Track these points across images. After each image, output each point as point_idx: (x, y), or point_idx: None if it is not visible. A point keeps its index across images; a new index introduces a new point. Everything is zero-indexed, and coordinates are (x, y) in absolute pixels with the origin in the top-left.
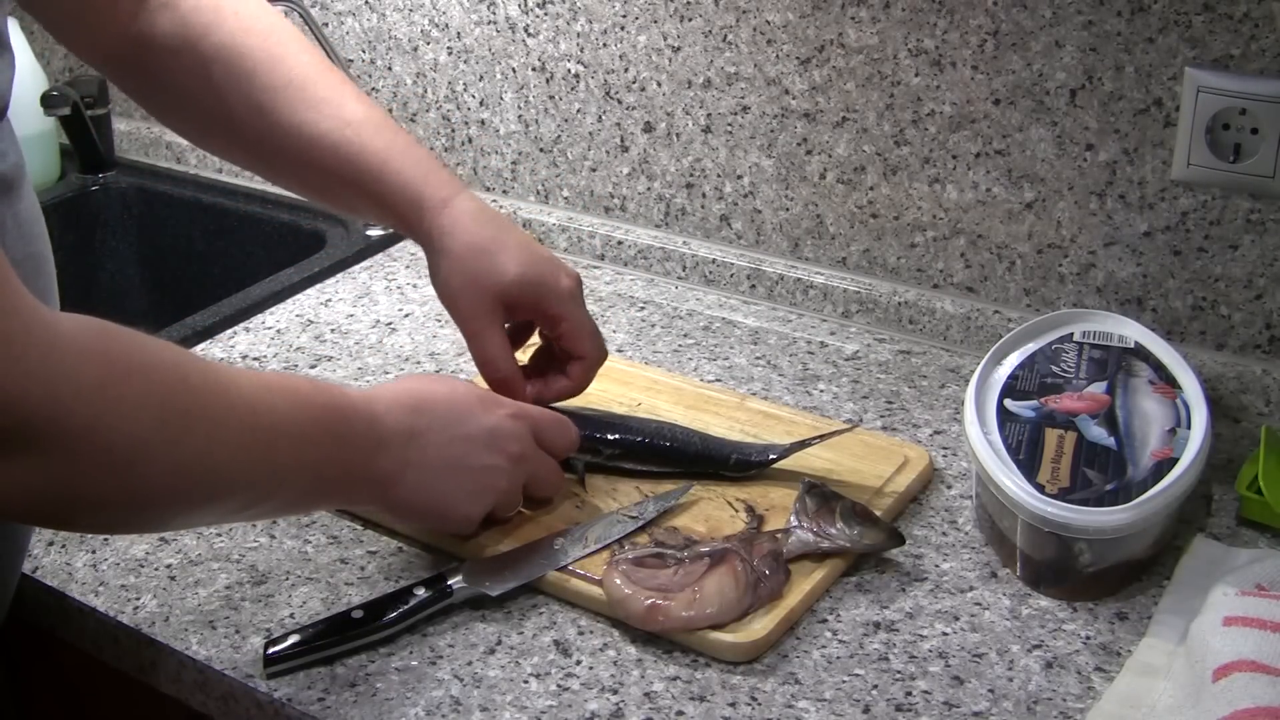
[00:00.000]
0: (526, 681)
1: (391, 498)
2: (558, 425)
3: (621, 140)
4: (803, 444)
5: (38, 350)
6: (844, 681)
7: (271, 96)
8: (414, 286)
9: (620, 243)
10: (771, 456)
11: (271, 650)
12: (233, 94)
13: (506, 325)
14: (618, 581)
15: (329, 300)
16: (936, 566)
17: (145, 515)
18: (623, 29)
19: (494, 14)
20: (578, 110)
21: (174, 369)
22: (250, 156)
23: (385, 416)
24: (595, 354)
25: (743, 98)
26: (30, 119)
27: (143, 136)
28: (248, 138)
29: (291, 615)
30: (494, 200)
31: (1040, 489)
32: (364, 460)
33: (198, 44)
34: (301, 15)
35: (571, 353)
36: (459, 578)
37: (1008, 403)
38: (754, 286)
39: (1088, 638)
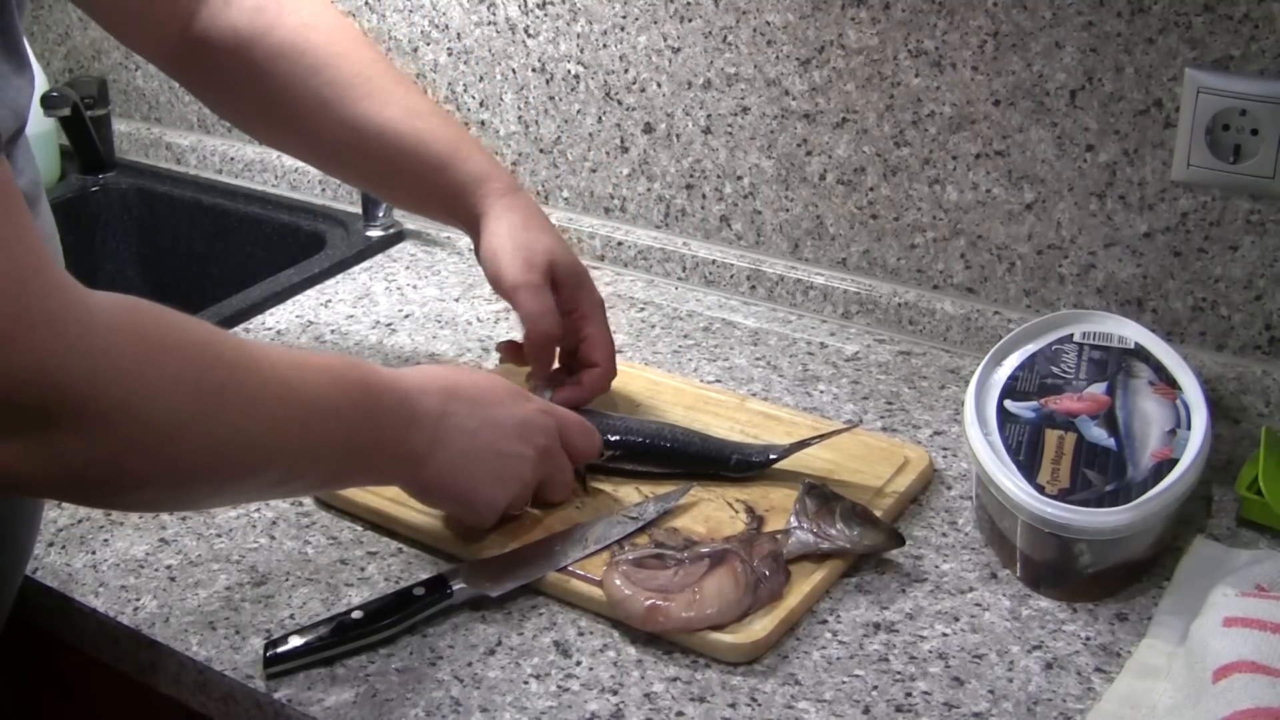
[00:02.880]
0: (526, 682)
1: (420, 477)
2: (583, 430)
3: (621, 141)
4: (803, 444)
5: (77, 327)
6: (844, 682)
7: (337, 91)
8: (414, 288)
9: (620, 243)
10: (771, 456)
11: (271, 651)
12: (297, 89)
13: None
14: (618, 582)
15: (329, 301)
16: (936, 567)
17: (182, 490)
18: (623, 30)
19: (494, 15)
20: (578, 111)
21: (209, 345)
22: (312, 150)
23: (418, 396)
24: (608, 365)
25: (743, 99)
26: (30, 119)
27: (143, 137)
28: (311, 131)
29: (291, 616)
30: None
31: (1040, 490)
32: (395, 437)
33: (261, 41)
34: None
35: (587, 359)
36: (459, 578)
37: (1008, 403)
38: (754, 287)
39: (1088, 638)
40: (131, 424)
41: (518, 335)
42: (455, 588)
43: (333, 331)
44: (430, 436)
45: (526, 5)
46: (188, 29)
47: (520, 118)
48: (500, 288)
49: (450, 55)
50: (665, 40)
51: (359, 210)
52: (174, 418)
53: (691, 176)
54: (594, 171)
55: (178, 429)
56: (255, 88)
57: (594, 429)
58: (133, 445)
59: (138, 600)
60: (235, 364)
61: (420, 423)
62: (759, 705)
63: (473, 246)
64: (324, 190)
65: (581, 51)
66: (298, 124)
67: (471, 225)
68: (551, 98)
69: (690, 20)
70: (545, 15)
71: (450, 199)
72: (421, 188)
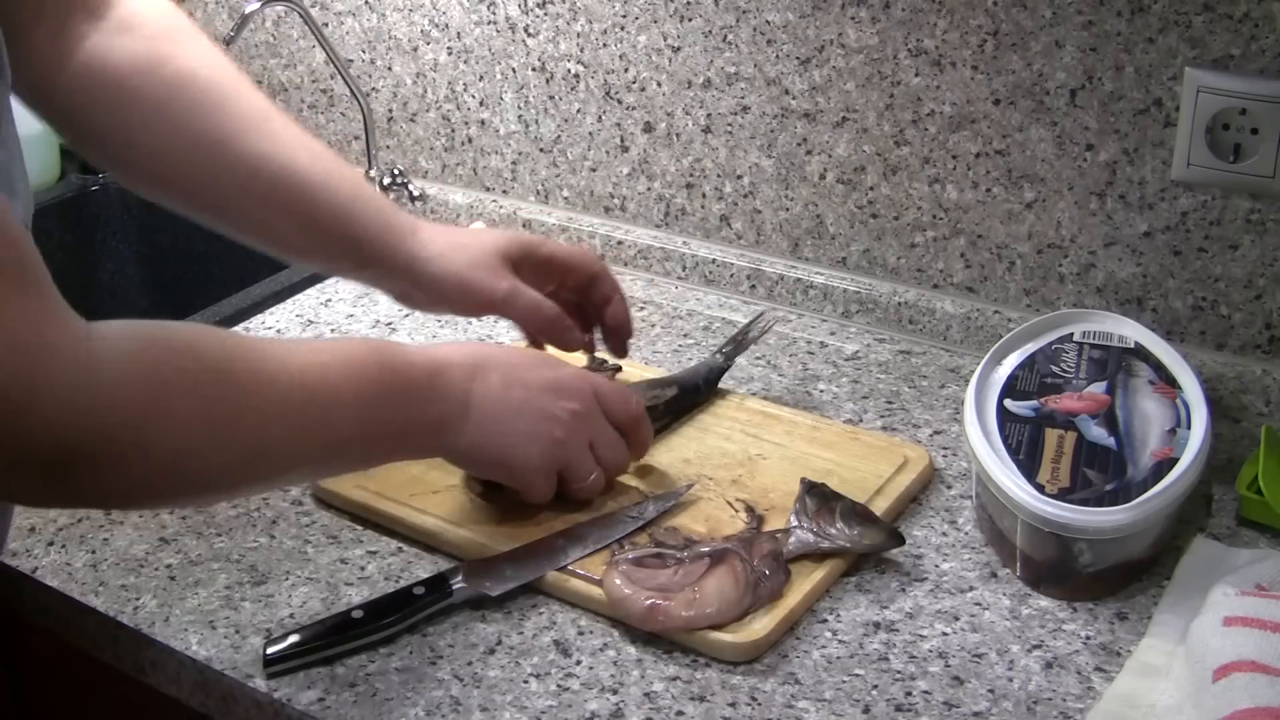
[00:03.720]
0: (526, 681)
1: (453, 444)
2: (620, 393)
3: (621, 140)
4: (740, 345)
5: (84, 379)
6: (844, 681)
7: (242, 124)
8: None
9: (620, 243)
10: (723, 363)
11: (271, 650)
12: (200, 120)
13: None
14: (618, 581)
15: (329, 300)
16: (936, 566)
17: (207, 500)
18: (623, 29)
19: (494, 14)
20: (578, 110)
21: (220, 373)
22: (208, 189)
23: (445, 368)
24: (597, 263)
25: (743, 98)
26: (30, 119)
27: None
28: (212, 168)
29: (291, 615)
30: (494, 200)
31: (1040, 489)
32: (423, 413)
33: (161, 69)
34: (301, 15)
35: (579, 274)
36: (459, 578)
37: (1008, 403)
38: (754, 286)
39: (1088, 638)
40: (144, 463)
41: (516, 333)
42: (455, 587)
43: (333, 331)
44: (459, 405)
45: (526, 4)
46: (72, 55)
47: (520, 117)
48: (477, 306)
49: (450, 54)
50: (665, 39)
51: None
52: (187, 452)
53: (691, 176)
54: (594, 171)
55: (191, 461)
56: (154, 117)
57: (629, 391)
58: (148, 479)
59: (138, 599)
60: (248, 387)
61: (447, 394)
62: (759, 704)
63: (393, 292)
64: None
65: (581, 51)
66: (197, 157)
67: (390, 263)
68: (551, 97)
69: (690, 19)
70: (545, 14)
71: (363, 241)
72: (322, 228)
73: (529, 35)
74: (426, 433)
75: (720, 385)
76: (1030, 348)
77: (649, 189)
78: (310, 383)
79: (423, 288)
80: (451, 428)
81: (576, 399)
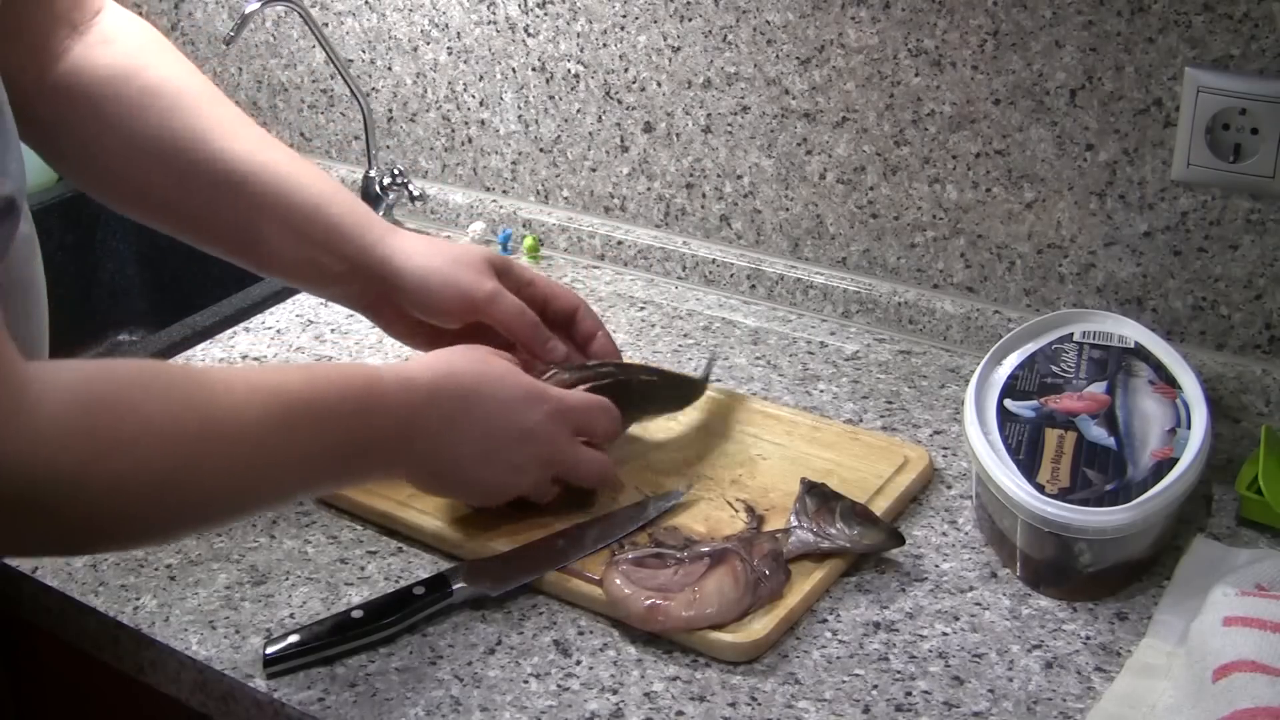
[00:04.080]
0: (526, 681)
1: (413, 479)
2: (600, 411)
3: (621, 140)
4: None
5: (24, 434)
6: (844, 681)
7: (215, 128)
8: None
9: (620, 243)
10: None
11: (271, 650)
12: (172, 125)
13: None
14: (618, 581)
15: (329, 300)
16: (936, 566)
17: (167, 540)
18: (623, 29)
19: (494, 14)
20: (578, 110)
21: (169, 422)
22: (180, 190)
23: (424, 406)
24: (578, 297)
25: (743, 98)
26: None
27: None
28: (182, 168)
29: (291, 615)
30: (494, 200)
31: (1040, 489)
32: (392, 450)
33: (139, 75)
34: (301, 15)
35: (560, 304)
36: (459, 578)
37: (1008, 403)
38: (754, 286)
39: (1088, 638)
40: (90, 516)
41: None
42: (455, 587)
43: (333, 331)
44: (432, 438)
45: (526, 4)
46: (53, 67)
47: (520, 117)
48: (460, 304)
49: (450, 54)
50: (665, 39)
51: None
52: (132, 504)
53: (691, 176)
54: (594, 171)
55: (136, 516)
56: (127, 124)
57: (608, 405)
58: (97, 530)
59: (138, 599)
60: (199, 435)
61: (422, 432)
62: (759, 704)
63: (366, 298)
64: None
65: (581, 51)
66: (170, 161)
67: (369, 258)
68: (551, 97)
69: (690, 19)
70: (545, 14)
71: (341, 234)
72: (306, 223)
73: (529, 35)
74: (390, 466)
75: (720, 385)
76: (1030, 348)
77: (649, 189)
78: (269, 439)
79: (404, 284)
80: (415, 465)
81: (548, 445)
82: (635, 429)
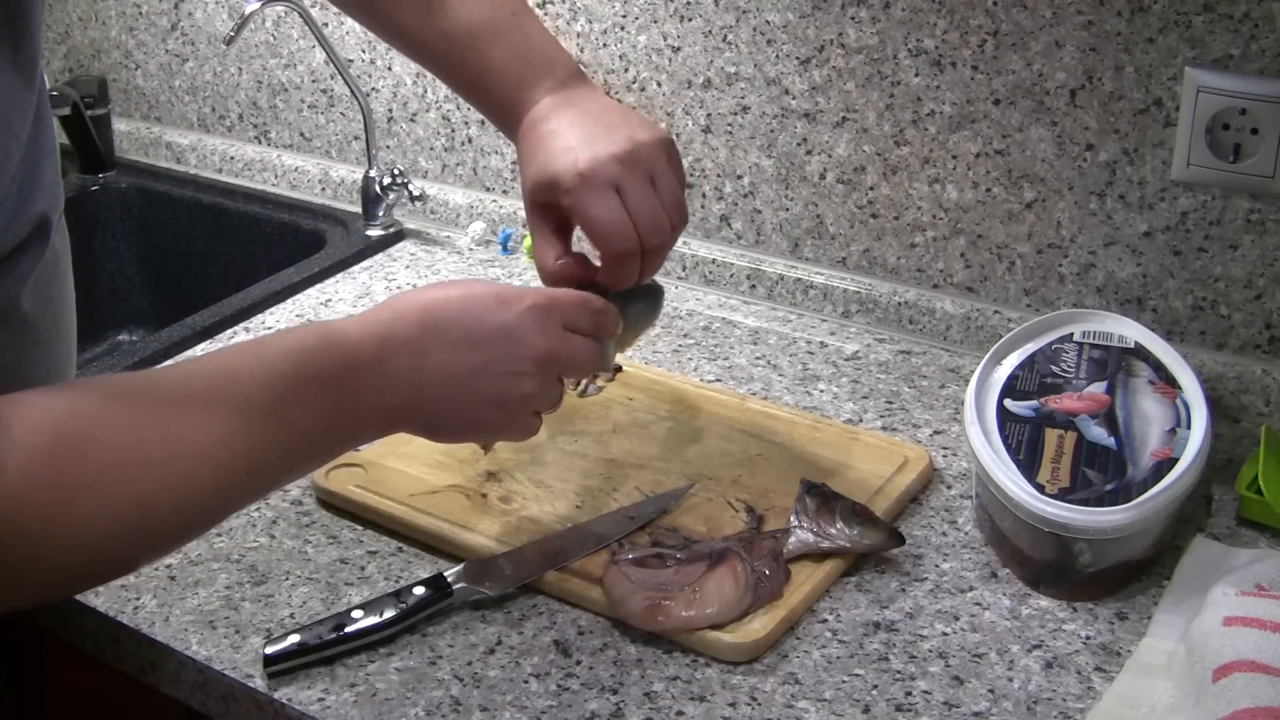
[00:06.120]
0: (526, 681)
1: (412, 427)
2: (581, 305)
3: None
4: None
5: None
6: (844, 681)
7: None
8: (413, 287)
9: None
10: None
11: (271, 650)
12: None
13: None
14: (618, 581)
15: (329, 300)
16: (936, 566)
17: (148, 560)
18: (623, 29)
19: None
20: None
21: (131, 451)
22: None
23: (388, 350)
24: (610, 245)
25: (743, 98)
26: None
27: (143, 136)
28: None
29: (291, 615)
30: (494, 200)
31: (1040, 489)
32: (371, 404)
33: None
34: (301, 15)
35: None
36: (459, 578)
37: (1008, 403)
38: (754, 286)
39: (1088, 638)
40: (62, 559)
41: None
42: (455, 587)
43: None
44: (410, 383)
45: None
46: None
47: None
48: (550, 194)
49: None
50: (665, 39)
51: (359, 210)
52: (102, 540)
53: (691, 175)
54: None
55: (104, 551)
56: None
57: (591, 298)
58: (71, 569)
59: (138, 599)
60: (162, 460)
61: (395, 378)
62: (759, 704)
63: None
64: (323, 190)
65: (581, 50)
66: None
67: (513, 125)
68: None
69: (690, 19)
70: (545, 14)
71: (493, 84)
72: (467, 71)
73: None
74: (377, 422)
75: (720, 385)
76: (1030, 348)
77: None
78: (235, 438)
79: (522, 160)
80: (403, 415)
81: (537, 336)
82: (635, 429)
